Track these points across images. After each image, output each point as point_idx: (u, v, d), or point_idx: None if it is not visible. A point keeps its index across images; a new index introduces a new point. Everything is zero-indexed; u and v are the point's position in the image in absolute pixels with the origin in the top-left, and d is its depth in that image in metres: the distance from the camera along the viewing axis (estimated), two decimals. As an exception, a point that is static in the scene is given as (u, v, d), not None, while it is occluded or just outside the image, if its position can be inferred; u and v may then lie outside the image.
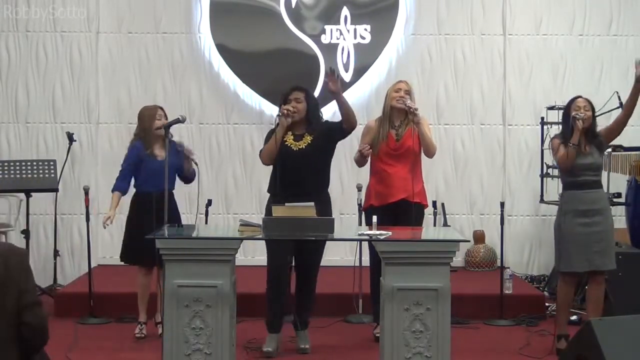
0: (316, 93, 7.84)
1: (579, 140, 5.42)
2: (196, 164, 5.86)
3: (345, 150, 7.96)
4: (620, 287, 6.04)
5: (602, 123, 7.35)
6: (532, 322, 6.39)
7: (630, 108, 5.55)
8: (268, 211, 5.44)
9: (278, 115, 5.52)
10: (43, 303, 3.24)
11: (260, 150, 5.65)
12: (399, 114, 5.83)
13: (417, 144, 5.74)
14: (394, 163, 5.78)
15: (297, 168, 5.41)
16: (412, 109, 5.67)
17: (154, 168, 5.83)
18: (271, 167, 5.59)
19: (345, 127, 5.49)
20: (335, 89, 5.31)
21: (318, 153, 5.48)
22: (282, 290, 5.51)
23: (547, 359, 5.42)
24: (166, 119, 5.94)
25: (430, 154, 5.80)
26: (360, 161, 5.82)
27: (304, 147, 5.47)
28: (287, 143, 5.49)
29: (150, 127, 5.91)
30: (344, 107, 5.44)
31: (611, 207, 6.66)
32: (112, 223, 5.95)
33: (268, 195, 5.67)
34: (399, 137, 5.79)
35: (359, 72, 8.00)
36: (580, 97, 5.63)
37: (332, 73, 5.29)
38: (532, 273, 7.90)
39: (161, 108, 6.06)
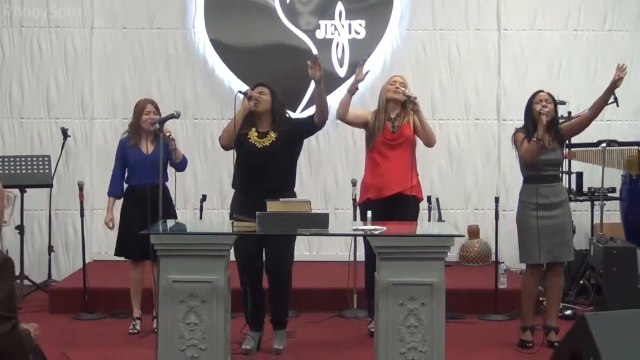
0: (310, 90, 7.87)
1: (542, 136, 5.46)
2: (174, 141, 5.77)
3: (340, 146, 8.01)
4: (614, 282, 6.04)
5: (599, 120, 7.43)
6: (526, 316, 6.40)
7: (598, 110, 5.59)
8: (232, 207, 5.42)
9: (240, 92, 5.41)
10: (16, 323, 2.81)
11: (220, 136, 5.55)
12: (394, 107, 5.81)
13: (414, 134, 5.75)
14: (390, 155, 5.75)
15: (260, 166, 5.30)
16: (412, 97, 5.66)
17: (137, 161, 5.90)
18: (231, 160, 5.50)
19: (316, 121, 5.38)
20: (318, 77, 5.19)
21: (282, 151, 5.36)
22: (254, 287, 5.42)
23: (541, 353, 5.42)
24: (157, 113, 5.94)
25: (431, 143, 5.79)
26: (343, 103, 5.74)
27: (267, 144, 5.36)
28: (250, 140, 5.38)
29: (138, 121, 5.93)
30: (321, 97, 5.31)
31: (607, 201, 6.71)
32: (113, 225, 6.06)
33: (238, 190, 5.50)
34: (395, 129, 5.77)
35: (353, 67, 7.90)
36: (542, 91, 5.66)
37: (315, 60, 5.14)
38: (527, 268, 7.91)
39: (152, 103, 6.04)
